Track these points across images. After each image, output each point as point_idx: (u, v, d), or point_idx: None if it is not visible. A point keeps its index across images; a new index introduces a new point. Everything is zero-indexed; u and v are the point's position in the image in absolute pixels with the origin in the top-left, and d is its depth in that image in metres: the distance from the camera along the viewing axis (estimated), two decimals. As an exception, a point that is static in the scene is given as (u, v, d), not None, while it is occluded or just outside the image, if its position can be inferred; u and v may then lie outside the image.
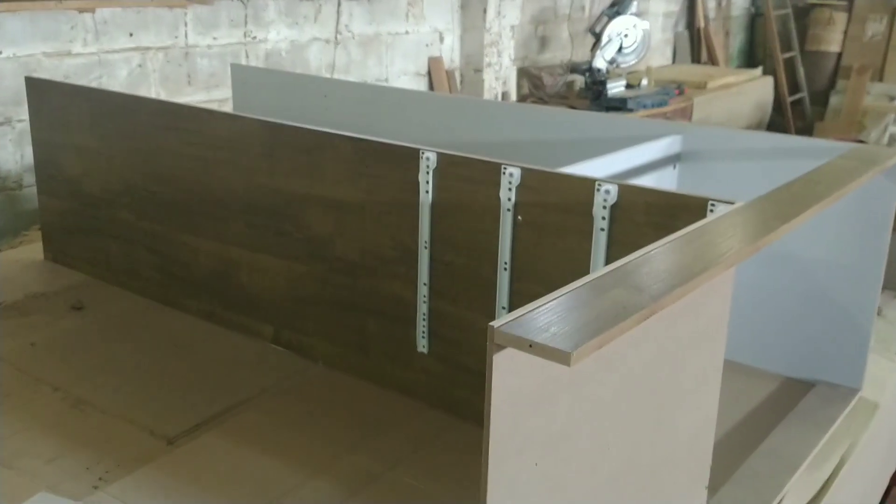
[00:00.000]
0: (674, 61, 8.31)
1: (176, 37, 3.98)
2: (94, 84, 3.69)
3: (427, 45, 5.36)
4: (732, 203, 1.41)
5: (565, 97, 6.28)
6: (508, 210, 1.68)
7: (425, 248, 1.83)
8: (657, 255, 1.19)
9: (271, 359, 2.13)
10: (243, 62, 4.27)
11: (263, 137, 2.06)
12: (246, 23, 4.27)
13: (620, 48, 6.01)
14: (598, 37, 5.99)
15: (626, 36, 5.99)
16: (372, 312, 1.97)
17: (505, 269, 1.72)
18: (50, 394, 1.94)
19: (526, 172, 1.65)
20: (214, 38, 4.14)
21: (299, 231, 2.05)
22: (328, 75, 4.72)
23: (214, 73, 4.14)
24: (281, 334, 2.16)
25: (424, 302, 1.86)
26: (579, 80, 6.21)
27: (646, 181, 2.08)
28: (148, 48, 3.88)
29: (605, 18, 6.07)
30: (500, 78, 5.70)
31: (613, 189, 1.54)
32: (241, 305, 2.23)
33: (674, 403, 1.33)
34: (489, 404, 0.92)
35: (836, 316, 1.99)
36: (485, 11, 5.46)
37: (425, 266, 1.84)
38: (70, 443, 1.74)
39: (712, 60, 8.25)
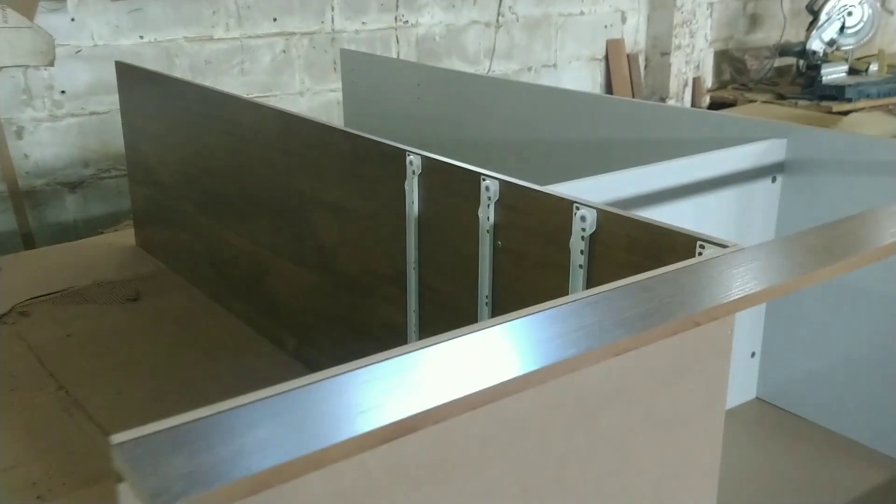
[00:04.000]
0: (930, 43, 7.13)
1: (322, 21, 3.91)
2: (235, 70, 3.71)
3: (606, 27, 4.92)
4: (727, 246, 1.00)
5: (775, 83, 5.56)
6: (488, 231, 1.35)
7: (414, 269, 1.54)
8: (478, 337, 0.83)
9: (286, 377, 1.93)
10: (393, 49, 4.13)
11: (279, 129, 1.86)
12: (397, 6, 4.11)
13: (842, 28, 5.20)
14: (815, 15, 5.22)
15: (849, 14, 5.17)
16: (371, 337, 1.71)
17: (486, 304, 1.39)
18: (52, 393, 1.87)
19: (505, 186, 1.31)
20: (363, 23, 4.02)
21: (311, 237, 1.84)
22: (487, 61, 4.46)
23: (361, 58, 4.03)
24: (301, 349, 1.97)
25: (415, 333, 1.57)
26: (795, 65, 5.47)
27: (728, 196, 1.64)
28: (292, 33, 3.83)
29: (826, -7, 5.28)
30: (691, 62, 5.14)
31: (591, 215, 1.17)
32: (270, 313, 2.06)
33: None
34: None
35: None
36: (675, -12, 4.93)
37: (414, 291, 1.55)
38: (35, 452, 1.66)
39: (979, 42, 6.97)
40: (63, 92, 3.32)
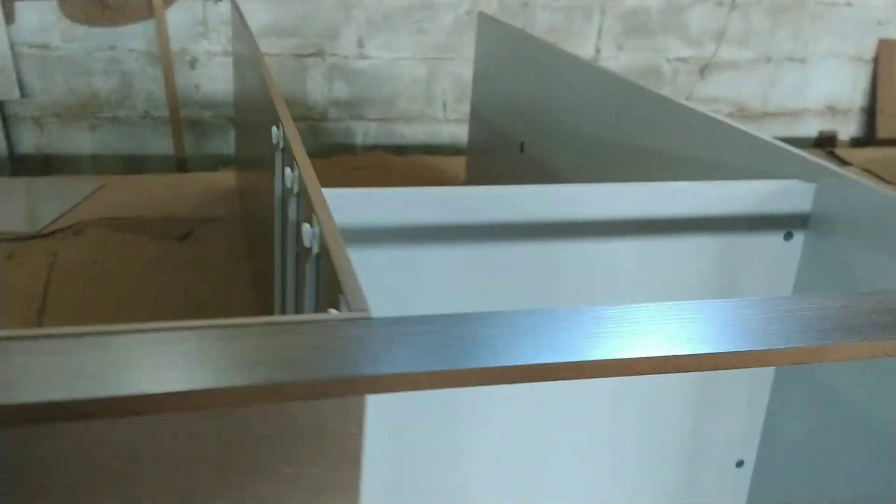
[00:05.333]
0: None
1: (518, -17, 3.62)
2: (413, 28, 3.57)
3: (880, 24, 4.07)
4: (366, 316, 0.65)
5: None
6: (288, 232, 1.07)
7: (279, 258, 1.29)
8: None
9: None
10: (594, 22, 3.73)
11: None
12: (608, -26, 3.70)
13: None
14: None
15: None
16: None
17: (293, 319, 1.12)
18: (30, 314, 1.89)
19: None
20: (567, -11, 3.67)
21: (259, 209, 1.64)
22: (713, 45, 3.89)
23: (555, 27, 3.69)
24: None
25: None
26: None
27: (714, 246, 1.19)
28: (482, -6, 3.60)
29: None
30: None
31: (310, 234, 0.86)
32: (261, 282, 1.91)
33: None
34: None
35: None
36: (984, -17, 3.93)
37: (279, 283, 1.31)
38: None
39: None
40: (238, 30, 3.40)
